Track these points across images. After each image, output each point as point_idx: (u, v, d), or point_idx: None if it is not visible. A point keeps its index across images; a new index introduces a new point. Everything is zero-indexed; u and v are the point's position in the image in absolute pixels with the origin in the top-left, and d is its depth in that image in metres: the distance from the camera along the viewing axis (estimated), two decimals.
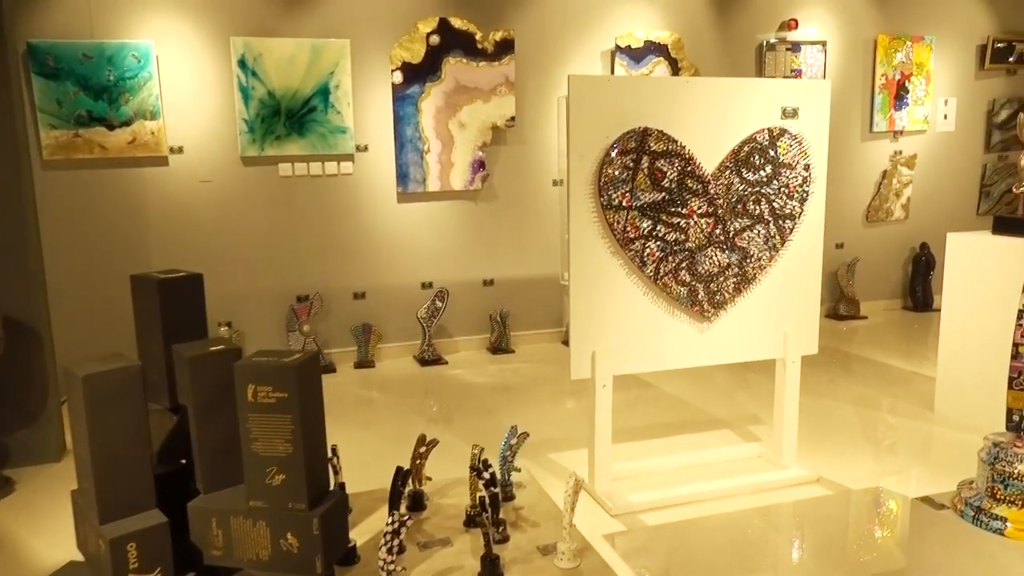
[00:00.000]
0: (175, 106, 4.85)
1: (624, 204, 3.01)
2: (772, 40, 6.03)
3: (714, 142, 3.11)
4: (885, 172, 6.59)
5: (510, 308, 5.65)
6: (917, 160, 6.64)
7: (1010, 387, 2.16)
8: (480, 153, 5.44)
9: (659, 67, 5.61)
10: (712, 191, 3.12)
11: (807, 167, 3.24)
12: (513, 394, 4.68)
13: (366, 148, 5.27)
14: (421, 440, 2.12)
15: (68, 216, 4.78)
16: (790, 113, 3.19)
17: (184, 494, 1.74)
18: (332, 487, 1.97)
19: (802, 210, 3.26)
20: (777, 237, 3.24)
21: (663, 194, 3.06)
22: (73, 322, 4.85)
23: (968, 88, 6.73)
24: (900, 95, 6.46)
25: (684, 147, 3.06)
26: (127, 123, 4.73)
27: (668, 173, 3.05)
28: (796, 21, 6.03)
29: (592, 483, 3.20)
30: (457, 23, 5.24)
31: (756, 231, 3.21)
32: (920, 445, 3.84)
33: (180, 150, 4.91)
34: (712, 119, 3.10)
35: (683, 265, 3.13)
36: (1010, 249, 3.72)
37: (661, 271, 3.10)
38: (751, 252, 3.22)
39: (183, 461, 1.84)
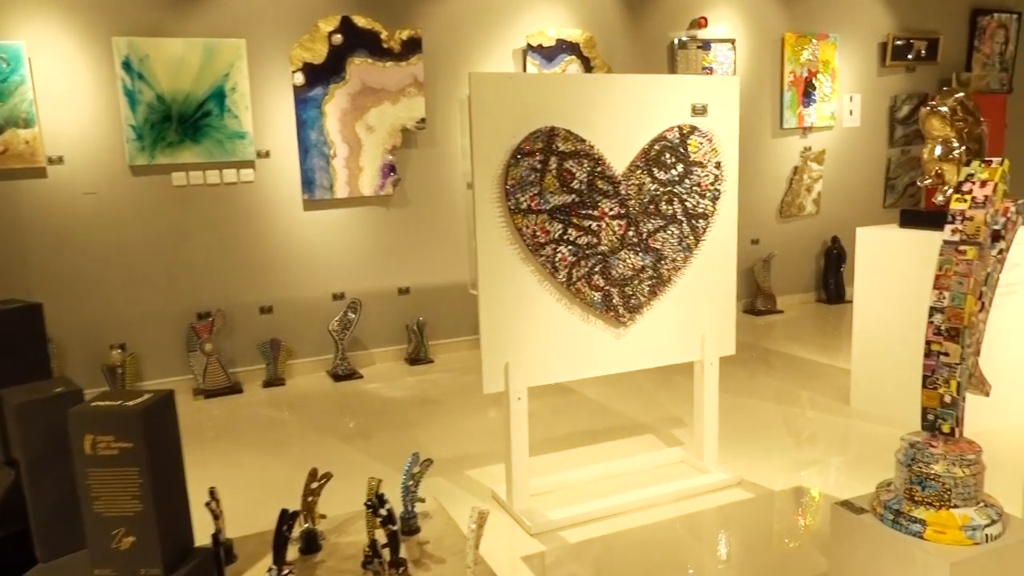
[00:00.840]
0: (53, 113, 4.47)
1: (533, 207, 2.87)
2: (683, 38, 6.03)
3: (624, 141, 3.01)
4: (796, 168, 6.69)
5: (427, 317, 5.46)
6: (826, 155, 6.77)
7: (924, 386, 2.11)
8: (390, 157, 5.23)
9: (572, 66, 5.52)
10: (623, 192, 3.02)
11: (718, 165, 3.17)
12: (432, 407, 4.50)
13: (268, 154, 4.98)
14: (312, 475, 1.92)
15: None
16: (700, 110, 3.12)
17: (25, 563, 1.50)
18: (215, 532, 1.76)
19: (715, 208, 3.19)
20: (691, 237, 3.17)
21: (573, 196, 2.93)
22: None
23: (871, 85, 6.91)
24: (808, 92, 6.57)
25: (593, 147, 2.94)
26: None
27: (577, 174, 2.93)
28: (705, 19, 6.05)
29: (510, 501, 3.05)
30: (361, 22, 5.02)
31: (670, 232, 3.12)
32: (839, 440, 3.85)
33: (60, 160, 4.53)
34: (622, 117, 2.99)
35: (596, 269, 3.01)
36: (917, 242, 3.75)
37: (574, 276, 2.97)
38: (665, 253, 3.13)
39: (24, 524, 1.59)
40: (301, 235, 5.15)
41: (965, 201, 2.06)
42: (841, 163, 6.88)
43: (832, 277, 6.91)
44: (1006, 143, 7.15)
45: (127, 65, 4.52)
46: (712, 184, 3.17)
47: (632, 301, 3.10)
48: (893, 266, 3.88)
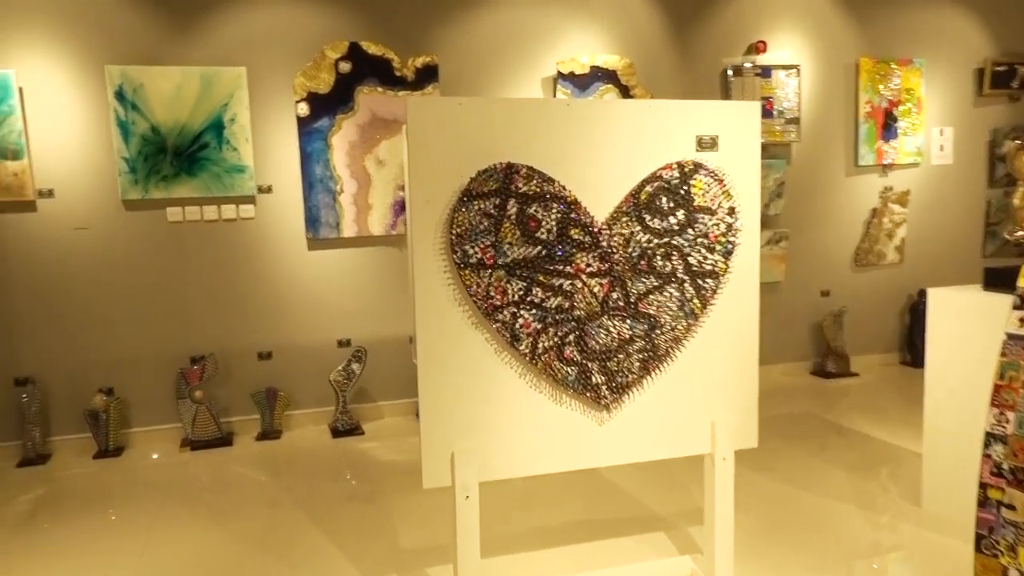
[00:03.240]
0: (43, 144, 4.26)
1: (486, 262, 2.32)
2: (740, 65, 5.38)
3: (606, 181, 2.43)
4: (875, 210, 5.87)
5: None
6: (911, 196, 5.91)
7: (978, 548, 1.42)
8: (402, 193, 4.80)
9: (608, 95, 4.98)
10: (605, 244, 2.43)
11: (732, 211, 2.54)
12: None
13: (270, 189, 4.64)
14: None
15: None
16: (708, 143, 2.51)
17: None
18: None
19: (727, 265, 2.55)
20: (695, 300, 2.53)
21: (539, 248, 2.37)
22: None
23: (966, 116, 6.02)
24: (888, 124, 5.76)
25: (564, 188, 2.38)
26: None
27: (544, 222, 2.37)
28: (764, 44, 5.38)
29: None
30: (371, 48, 4.64)
31: (667, 293, 2.50)
32: (898, 558, 3.06)
33: (50, 193, 4.31)
34: (603, 152, 2.42)
35: (569, 339, 2.42)
36: (1005, 309, 2.97)
37: (540, 347, 2.40)
38: (661, 320, 2.51)
39: None
40: (304, 276, 4.77)
41: None
42: (930, 205, 6.00)
43: (919, 336, 5.98)
44: None
45: (120, 95, 4.28)
46: (724, 235, 2.53)
47: (618, 379, 2.49)
48: (974, 337, 3.10)
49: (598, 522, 3.35)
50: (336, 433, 4.68)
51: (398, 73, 4.68)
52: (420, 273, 2.30)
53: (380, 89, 4.67)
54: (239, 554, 3.11)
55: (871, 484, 3.69)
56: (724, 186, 2.51)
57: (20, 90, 4.17)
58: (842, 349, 5.80)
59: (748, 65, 5.39)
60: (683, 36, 5.31)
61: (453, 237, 2.28)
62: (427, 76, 4.73)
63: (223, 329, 4.66)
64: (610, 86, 5.00)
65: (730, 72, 5.36)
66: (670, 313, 2.50)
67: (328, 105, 4.62)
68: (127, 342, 4.51)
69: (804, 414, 4.85)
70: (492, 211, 2.31)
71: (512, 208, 2.33)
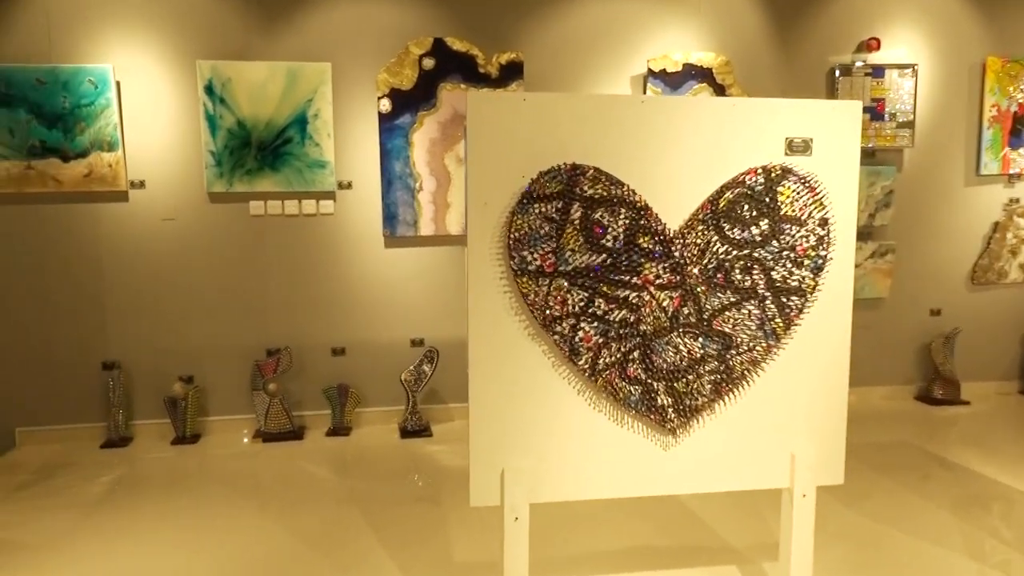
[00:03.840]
0: (136, 136, 4.39)
1: (545, 269, 2.16)
2: (849, 64, 4.99)
3: (681, 186, 2.23)
4: (997, 224, 5.33)
5: None
6: None
7: None
8: None
9: (702, 94, 4.72)
10: (678, 254, 2.23)
11: (824, 223, 2.28)
12: None
13: (349, 185, 4.63)
14: None
15: (18, 256, 4.38)
16: (800, 147, 2.26)
17: None
18: None
19: (816, 282, 2.30)
20: (778, 319, 2.29)
21: (604, 256, 2.19)
22: (17, 370, 4.44)
23: None
24: (1017, 130, 5.22)
25: (634, 192, 2.19)
26: (83, 154, 4.31)
27: (611, 228, 2.19)
28: (878, 41, 4.97)
29: None
30: (455, 44, 4.56)
31: (745, 310, 2.28)
32: None
33: (141, 184, 4.44)
34: (679, 154, 2.22)
35: (634, 356, 2.24)
36: None
37: (601, 363, 2.22)
38: (738, 340, 2.28)
39: None
40: (380, 274, 4.74)
41: None
42: None
43: None
44: None
45: (209, 89, 4.36)
46: (813, 249, 2.28)
47: (687, 402, 2.28)
48: None
49: (663, 549, 3.13)
50: (405, 433, 4.62)
51: (482, 70, 4.58)
52: (475, 279, 2.16)
53: (463, 86, 4.58)
54: (293, 551, 3.08)
55: (977, 527, 3.31)
56: (816, 194, 2.26)
57: (117, 84, 4.31)
58: (952, 374, 5.30)
59: (858, 64, 5.00)
60: (786, 32, 4.97)
61: (511, 242, 2.14)
62: (512, 73, 4.60)
63: (298, 323, 4.69)
64: (704, 85, 4.74)
65: (837, 72, 4.98)
66: (748, 332, 2.28)
67: (410, 101, 4.56)
68: (207, 331, 4.60)
69: (903, 443, 4.45)
70: (554, 215, 2.15)
71: (576, 212, 2.16)
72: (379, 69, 4.53)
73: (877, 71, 5.01)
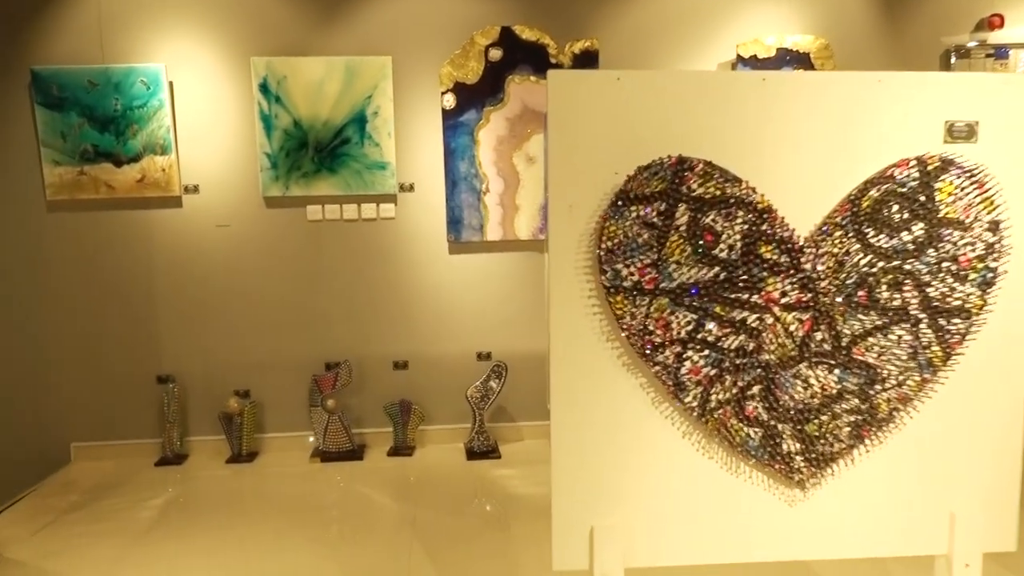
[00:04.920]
0: (189, 139, 4.17)
1: (644, 286, 1.77)
2: (965, 44, 4.42)
3: (813, 183, 1.80)
4: None
5: None
6: None
7: None
8: None
9: None
10: (808, 266, 1.80)
11: (995, 226, 1.82)
12: None
13: (411, 187, 4.31)
14: None
15: (72, 265, 4.21)
16: (962, 132, 1.81)
17: None
18: None
19: (984, 301, 1.84)
20: (935, 347, 1.84)
21: (716, 269, 1.79)
22: (72, 383, 4.28)
23: None
24: None
25: (754, 191, 1.78)
26: (135, 159, 4.11)
27: (726, 235, 1.78)
28: (1001, 17, 4.39)
29: None
30: (525, 33, 4.19)
31: (894, 336, 1.83)
32: None
33: (195, 189, 4.22)
34: (810, 144, 1.79)
35: (753, 391, 1.82)
36: None
37: (713, 400, 1.81)
38: (884, 372, 1.84)
39: None
40: (444, 282, 4.41)
41: None
42: None
43: None
44: None
45: (264, 87, 4.11)
46: (981, 259, 1.83)
47: (819, 447, 1.85)
48: None
49: None
50: (471, 454, 4.28)
51: (553, 60, 4.20)
52: (558, 297, 1.79)
53: (533, 78, 4.21)
54: None
55: None
56: (985, 191, 1.80)
57: (170, 84, 4.10)
58: None
59: (975, 44, 4.42)
60: (894, 9, 4.43)
61: (602, 252, 1.75)
62: (586, 63, 4.21)
63: (358, 335, 4.40)
64: (800, 69, 4.25)
65: (953, 54, 4.42)
66: (897, 363, 1.83)
67: (476, 96, 4.22)
68: (263, 343, 4.36)
69: None
70: (655, 220, 1.75)
71: (682, 216, 1.76)
72: (442, 62, 4.20)
73: (1000, 52, 4.42)
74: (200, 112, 4.16)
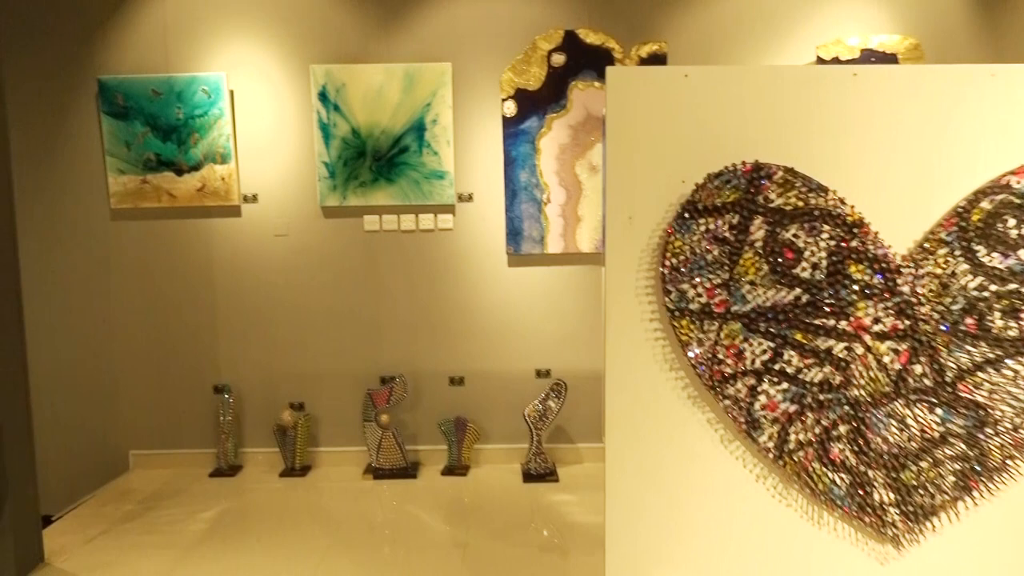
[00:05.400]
0: (249, 148, 4.15)
1: (714, 308, 1.57)
2: None
3: (912, 194, 1.57)
4: None
5: None
6: None
7: None
8: None
9: None
10: (907, 289, 1.56)
11: None
12: None
13: (470, 198, 4.18)
14: None
15: (134, 273, 4.23)
16: None
17: None
18: None
19: None
20: None
21: (797, 291, 1.57)
22: (133, 391, 4.29)
23: None
24: None
25: (843, 202, 1.55)
26: (196, 167, 4.10)
27: (810, 252, 1.56)
28: None
29: None
30: (589, 37, 4.01)
31: (1008, 372, 1.58)
32: None
33: (254, 199, 4.19)
34: (909, 148, 1.56)
35: (840, 431, 1.59)
36: None
37: (792, 441, 1.59)
38: (996, 413, 1.58)
39: None
40: (503, 296, 4.25)
41: None
42: None
43: None
44: None
45: (323, 95, 4.05)
46: None
47: (917, 499, 1.60)
48: None
49: None
50: (527, 477, 4.10)
51: (619, 64, 4.01)
52: (615, 319, 1.60)
53: (597, 84, 4.03)
54: None
55: None
56: None
57: (231, 93, 4.08)
58: None
59: None
60: (991, 8, 4.07)
61: (666, 270, 1.56)
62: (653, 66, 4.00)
63: (414, 349, 4.28)
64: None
65: None
66: (1013, 403, 1.57)
67: (538, 103, 4.06)
68: (319, 355, 4.28)
69: None
70: (727, 234, 1.55)
71: (758, 230, 1.55)
72: (503, 68, 4.06)
73: None
74: (259, 121, 4.13)
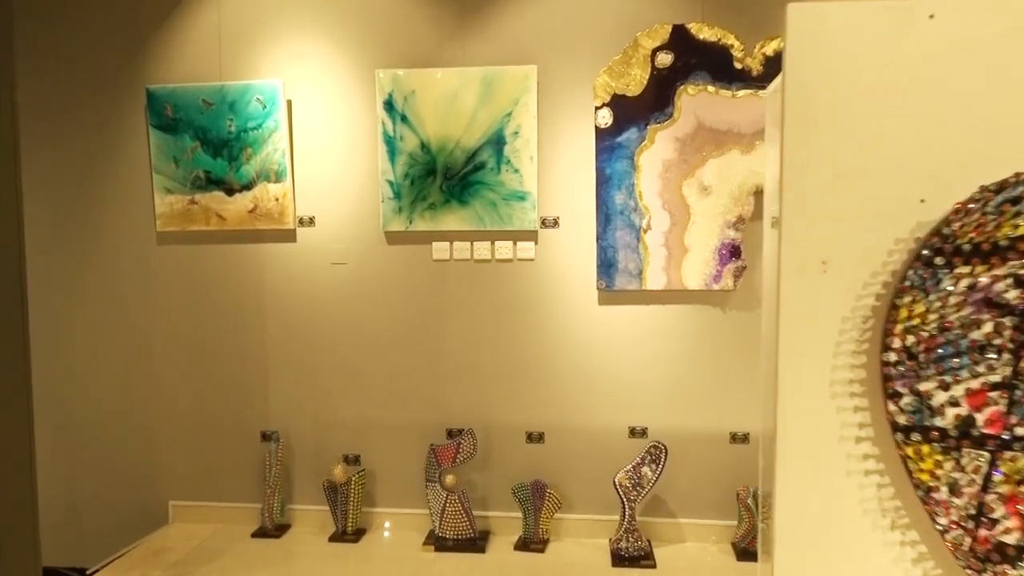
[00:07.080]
0: (306, 164, 3.67)
1: (982, 427, 0.87)
2: None
3: None
4: None
5: None
6: None
7: None
8: (733, 233, 3.41)
9: None
10: None
11: None
12: None
13: (556, 223, 3.57)
14: None
15: (178, 303, 3.81)
16: None
17: None
18: None
19: None
20: None
21: None
22: (174, 436, 3.86)
23: None
24: None
25: None
26: (248, 186, 3.65)
27: None
28: None
29: None
30: (702, 33, 3.35)
31: None
32: None
33: (310, 221, 3.70)
34: None
35: None
36: None
37: None
38: None
39: None
40: (592, 339, 3.60)
41: None
42: None
43: None
44: None
45: (389, 104, 3.53)
46: None
47: None
48: None
49: None
50: (617, 558, 3.40)
51: (738, 65, 3.33)
52: (790, 433, 0.93)
53: (711, 88, 3.35)
54: None
55: None
56: None
57: (288, 103, 3.62)
58: None
59: None
60: None
61: (894, 355, 0.88)
62: (779, 68, 3.29)
63: (487, 398, 3.67)
64: None
65: None
66: None
67: (638, 112, 3.42)
68: (377, 401, 3.73)
69: None
70: (1011, 297, 0.86)
71: None
72: (598, 71, 3.44)
73: None
74: (318, 133, 3.65)
